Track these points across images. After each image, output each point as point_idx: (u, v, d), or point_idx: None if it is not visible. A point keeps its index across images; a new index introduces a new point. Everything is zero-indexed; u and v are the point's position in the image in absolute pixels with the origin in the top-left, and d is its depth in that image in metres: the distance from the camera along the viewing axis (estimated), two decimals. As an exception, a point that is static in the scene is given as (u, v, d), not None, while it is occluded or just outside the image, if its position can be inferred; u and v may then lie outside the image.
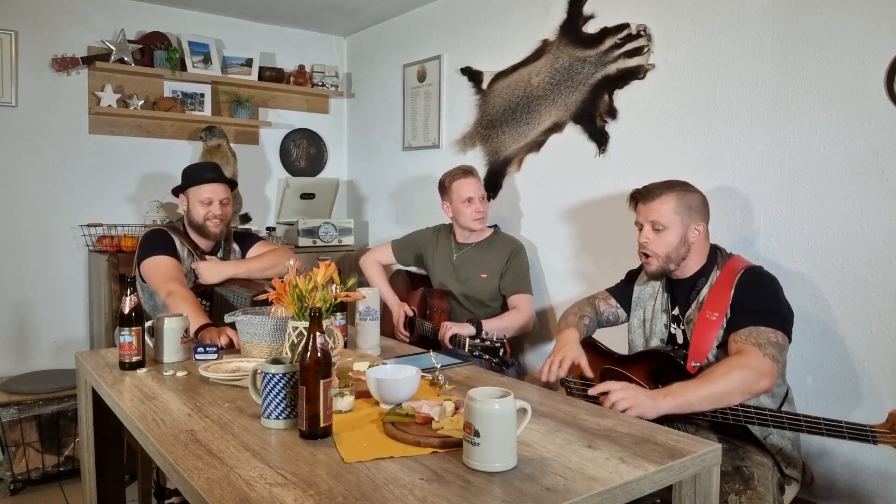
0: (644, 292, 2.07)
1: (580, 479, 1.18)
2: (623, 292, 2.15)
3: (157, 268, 2.37)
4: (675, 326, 1.96)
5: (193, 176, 2.57)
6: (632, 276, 2.15)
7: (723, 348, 1.81)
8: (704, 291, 1.89)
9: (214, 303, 2.41)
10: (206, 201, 2.51)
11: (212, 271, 2.41)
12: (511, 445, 1.22)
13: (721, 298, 1.83)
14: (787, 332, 1.76)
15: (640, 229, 1.94)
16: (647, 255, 1.93)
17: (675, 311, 1.97)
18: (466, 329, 2.43)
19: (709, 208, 1.96)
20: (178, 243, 2.51)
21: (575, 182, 2.82)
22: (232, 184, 2.66)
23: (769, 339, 1.71)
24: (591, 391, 1.72)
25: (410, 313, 2.79)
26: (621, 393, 1.63)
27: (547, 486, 1.15)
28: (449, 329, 2.43)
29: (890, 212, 1.92)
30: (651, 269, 1.94)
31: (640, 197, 1.95)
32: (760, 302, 1.78)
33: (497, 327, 2.54)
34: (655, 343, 1.99)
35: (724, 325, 1.81)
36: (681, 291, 1.96)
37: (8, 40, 3.19)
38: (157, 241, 2.48)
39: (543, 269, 3.00)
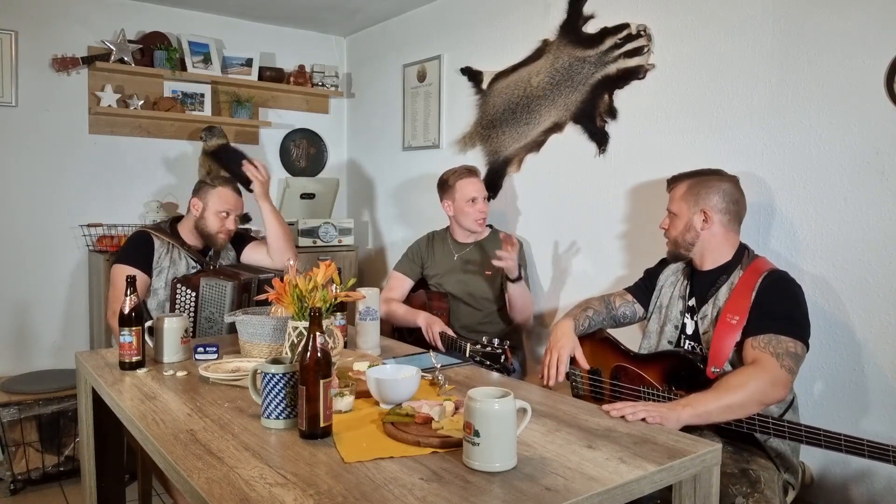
0: (668, 279, 2.07)
1: (580, 479, 1.18)
2: (642, 289, 2.15)
3: (116, 280, 2.44)
4: (689, 317, 1.95)
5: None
6: (651, 273, 2.16)
7: (739, 350, 1.79)
8: (724, 290, 1.87)
9: (199, 294, 2.43)
10: (224, 213, 2.56)
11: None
12: (511, 445, 1.22)
13: (742, 301, 1.80)
14: (807, 342, 1.74)
15: None
16: (666, 239, 2.04)
17: (691, 302, 1.96)
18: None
19: (736, 202, 1.92)
20: (158, 245, 2.52)
21: (575, 182, 2.82)
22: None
23: (787, 349, 1.69)
24: (607, 408, 1.57)
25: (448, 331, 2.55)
26: (644, 412, 1.51)
27: (547, 486, 1.15)
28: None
29: (890, 212, 1.92)
30: (667, 251, 2.04)
31: (668, 185, 2.06)
32: (782, 308, 1.76)
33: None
34: (669, 329, 1.98)
35: (743, 329, 1.79)
36: (700, 284, 1.96)
37: (8, 40, 3.19)
38: (132, 246, 2.53)
39: (542, 270, 2.99)
